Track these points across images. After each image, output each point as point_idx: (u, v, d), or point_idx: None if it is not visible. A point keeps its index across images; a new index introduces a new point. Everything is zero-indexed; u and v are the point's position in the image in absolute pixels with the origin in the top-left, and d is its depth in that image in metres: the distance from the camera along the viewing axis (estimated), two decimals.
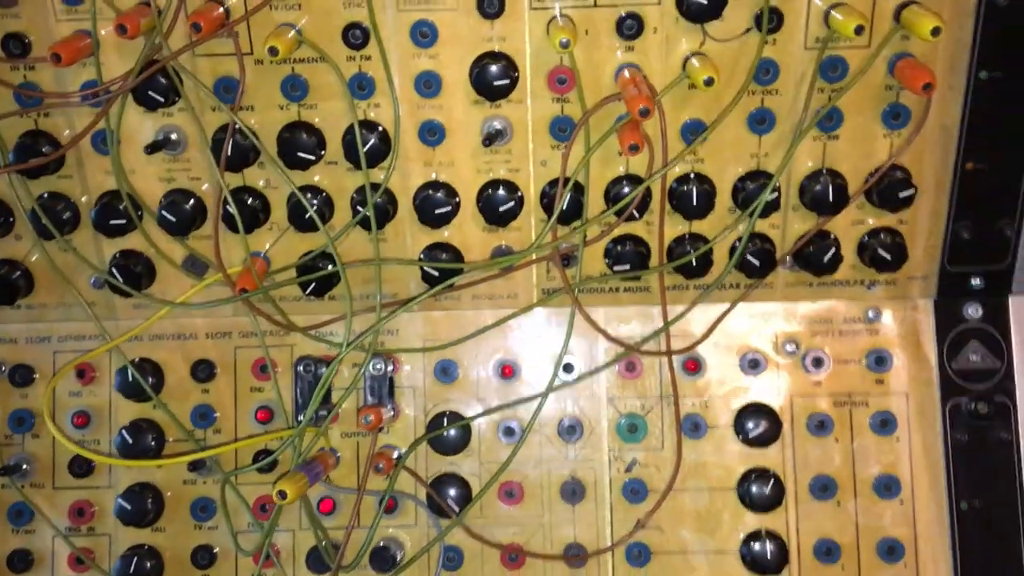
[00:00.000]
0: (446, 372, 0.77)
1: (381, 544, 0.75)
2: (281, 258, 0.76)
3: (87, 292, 0.77)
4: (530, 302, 0.78)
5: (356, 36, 0.69)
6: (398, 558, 0.75)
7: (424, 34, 0.69)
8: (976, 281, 0.76)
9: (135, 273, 0.74)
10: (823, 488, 0.76)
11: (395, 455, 0.76)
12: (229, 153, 0.70)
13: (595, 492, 0.77)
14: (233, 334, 0.78)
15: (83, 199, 0.74)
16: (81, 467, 0.77)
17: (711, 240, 0.74)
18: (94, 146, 0.73)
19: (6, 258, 0.76)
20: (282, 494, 0.65)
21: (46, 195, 0.74)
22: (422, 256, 0.76)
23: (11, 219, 0.74)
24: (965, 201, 0.74)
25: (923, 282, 0.77)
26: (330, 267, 0.74)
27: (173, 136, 0.72)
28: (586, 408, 0.78)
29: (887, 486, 0.76)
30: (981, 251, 0.75)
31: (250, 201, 0.73)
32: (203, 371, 0.78)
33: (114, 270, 0.74)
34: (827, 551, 0.76)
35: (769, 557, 0.75)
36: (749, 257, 0.73)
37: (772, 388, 0.77)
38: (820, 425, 0.77)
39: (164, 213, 0.72)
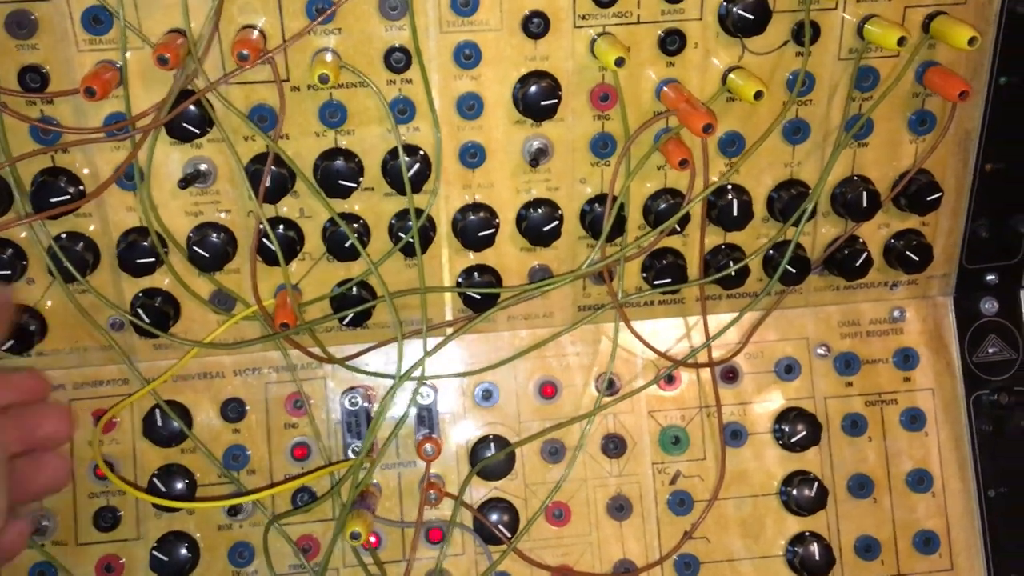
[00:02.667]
0: (487, 396, 0.76)
1: None
2: (311, 288, 0.74)
3: (102, 335, 0.72)
4: (566, 321, 0.77)
5: (399, 59, 0.67)
6: None
7: (467, 55, 0.67)
8: (991, 277, 0.79)
9: (162, 312, 0.71)
10: (860, 486, 0.78)
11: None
12: (268, 184, 0.67)
13: (641, 507, 0.77)
14: (263, 369, 0.75)
15: (103, 238, 0.70)
16: (107, 520, 0.73)
17: (749, 253, 0.74)
18: (116, 181, 0.69)
19: (19, 305, 0.71)
20: (355, 535, 0.63)
21: (64, 235, 0.69)
22: (460, 280, 0.74)
23: (24, 263, 0.70)
24: (983, 201, 0.77)
25: (942, 280, 0.80)
26: (376, 297, 0.72)
27: (203, 168, 0.68)
28: (627, 423, 0.78)
29: (920, 480, 0.79)
30: (996, 248, 0.78)
31: (284, 232, 0.70)
32: (233, 410, 0.74)
33: (139, 310, 0.70)
34: (867, 548, 0.78)
35: (818, 558, 0.76)
36: (786, 265, 0.75)
37: (806, 391, 0.79)
38: (854, 425, 0.79)
39: (196, 249, 0.69)
